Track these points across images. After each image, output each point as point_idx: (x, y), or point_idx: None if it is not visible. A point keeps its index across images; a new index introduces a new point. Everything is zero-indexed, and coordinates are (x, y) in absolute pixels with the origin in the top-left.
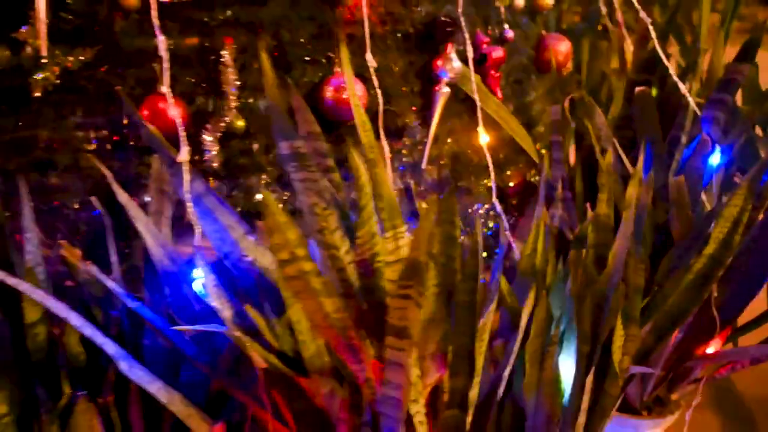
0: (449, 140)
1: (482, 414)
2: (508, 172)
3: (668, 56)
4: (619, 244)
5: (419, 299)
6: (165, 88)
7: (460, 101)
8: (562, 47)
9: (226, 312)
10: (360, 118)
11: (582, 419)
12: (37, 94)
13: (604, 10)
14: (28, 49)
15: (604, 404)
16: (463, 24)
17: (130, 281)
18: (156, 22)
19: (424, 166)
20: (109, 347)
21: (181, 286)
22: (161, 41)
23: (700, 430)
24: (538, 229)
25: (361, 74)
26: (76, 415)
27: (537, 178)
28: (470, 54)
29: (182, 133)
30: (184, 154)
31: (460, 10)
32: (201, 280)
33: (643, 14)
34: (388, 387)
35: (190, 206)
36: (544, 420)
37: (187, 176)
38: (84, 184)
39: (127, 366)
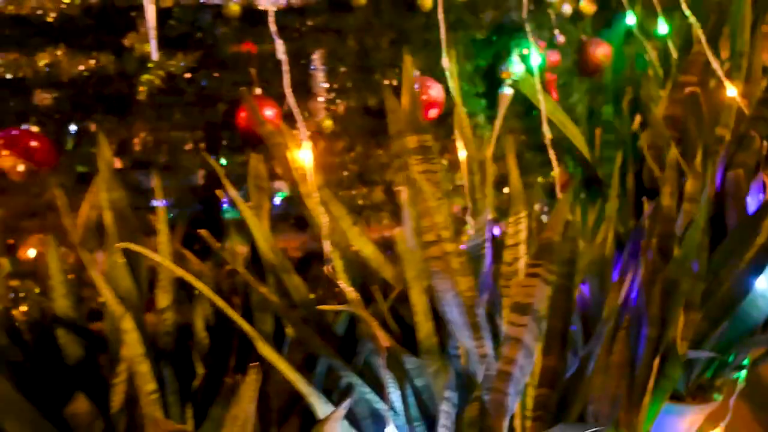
0: (509, 138)
1: (570, 392)
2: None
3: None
4: (689, 234)
5: (548, 277)
6: (287, 89)
7: (519, 102)
8: (602, 51)
9: (352, 294)
10: (459, 115)
11: (647, 400)
12: (141, 98)
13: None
14: (134, 55)
15: (664, 387)
16: (528, 29)
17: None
18: (273, 27)
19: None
20: (248, 328)
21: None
22: (279, 45)
23: (734, 418)
24: (608, 221)
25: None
26: (245, 385)
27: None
28: (534, 57)
29: (302, 128)
30: (307, 149)
31: (524, 15)
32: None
33: (693, 20)
34: (504, 363)
35: (316, 196)
36: (609, 401)
37: (310, 171)
38: (179, 182)
39: (263, 346)
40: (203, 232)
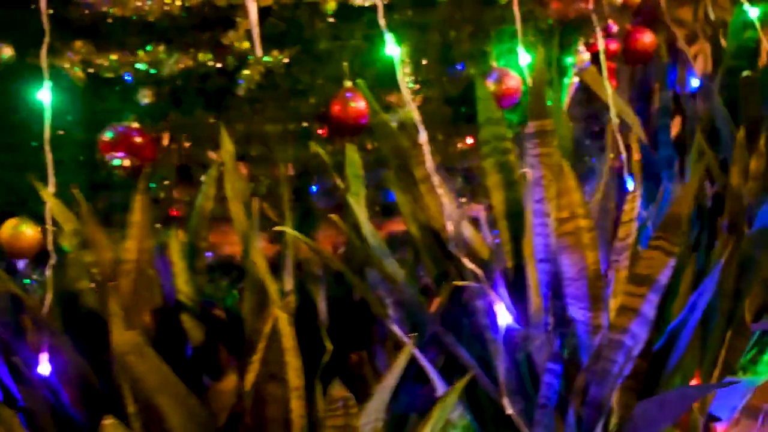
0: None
1: (659, 362)
2: (612, 155)
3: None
4: (763, 210)
5: (673, 249)
6: (401, 81)
7: (578, 90)
8: (647, 39)
9: (477, 270)
10: (555, 104)
11: (717, 372)
12: (240, 93)
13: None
14: (233, 52)
15: (730, 359)
16: (595, 19)
17: None
18: (382, 21)
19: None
20: (377, 308)
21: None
22: (389, 38)
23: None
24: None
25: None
26: (396, 362)
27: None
28: (601, 46)
29: (418, 117)
30: (423, 137)
31: (590, 6)
32: None
33: (747, 6)
34: (617, 332)
35: (436, 179)
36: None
37: (428, 156)
38: (272, 173)
39: (391, 324)
40: (334, 217)
